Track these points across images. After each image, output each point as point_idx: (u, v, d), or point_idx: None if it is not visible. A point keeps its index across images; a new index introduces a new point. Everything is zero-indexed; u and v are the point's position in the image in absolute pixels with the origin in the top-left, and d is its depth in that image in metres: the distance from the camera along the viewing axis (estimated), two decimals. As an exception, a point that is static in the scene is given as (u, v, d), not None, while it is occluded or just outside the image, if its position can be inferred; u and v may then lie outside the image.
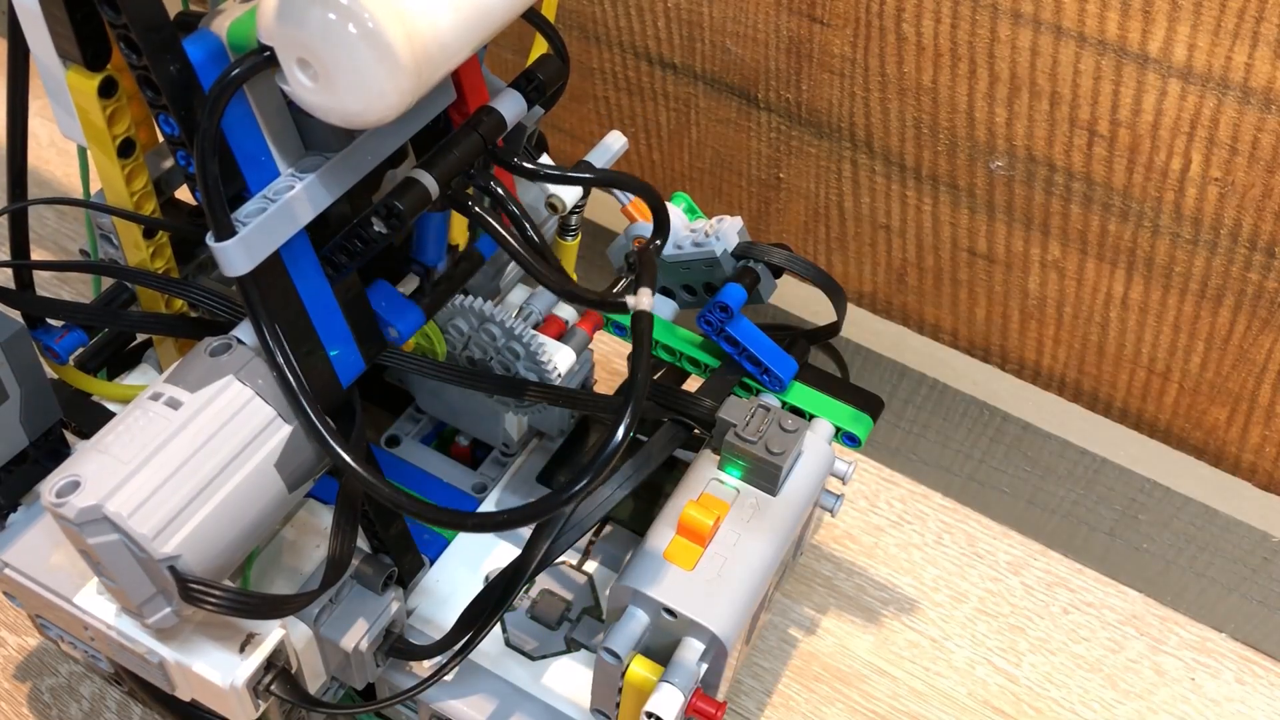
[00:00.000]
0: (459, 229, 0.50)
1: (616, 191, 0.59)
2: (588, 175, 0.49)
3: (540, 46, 0.57)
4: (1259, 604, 0.72)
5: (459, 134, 0.43)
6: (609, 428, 0.41)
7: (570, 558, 0.60)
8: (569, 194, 0.56)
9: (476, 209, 0.44)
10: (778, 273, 0.58)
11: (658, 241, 0.48)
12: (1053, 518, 0.76)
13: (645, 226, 0.59)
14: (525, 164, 0.45)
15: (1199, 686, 0.68)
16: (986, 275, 0.78)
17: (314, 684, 0.51)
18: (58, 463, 0.49)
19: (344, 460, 0.41)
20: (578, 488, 0.40)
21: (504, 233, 0.44)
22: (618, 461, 0.41)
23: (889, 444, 0.79)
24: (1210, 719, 0.66)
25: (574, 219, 0.57)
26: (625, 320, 0.59)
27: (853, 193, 0.79)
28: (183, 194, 0.53)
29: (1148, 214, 0.69)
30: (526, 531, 0.50)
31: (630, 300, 0.44)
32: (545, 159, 0.55)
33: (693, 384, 0.57)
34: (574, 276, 0.59)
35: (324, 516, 0.53)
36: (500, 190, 0.45)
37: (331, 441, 0.41)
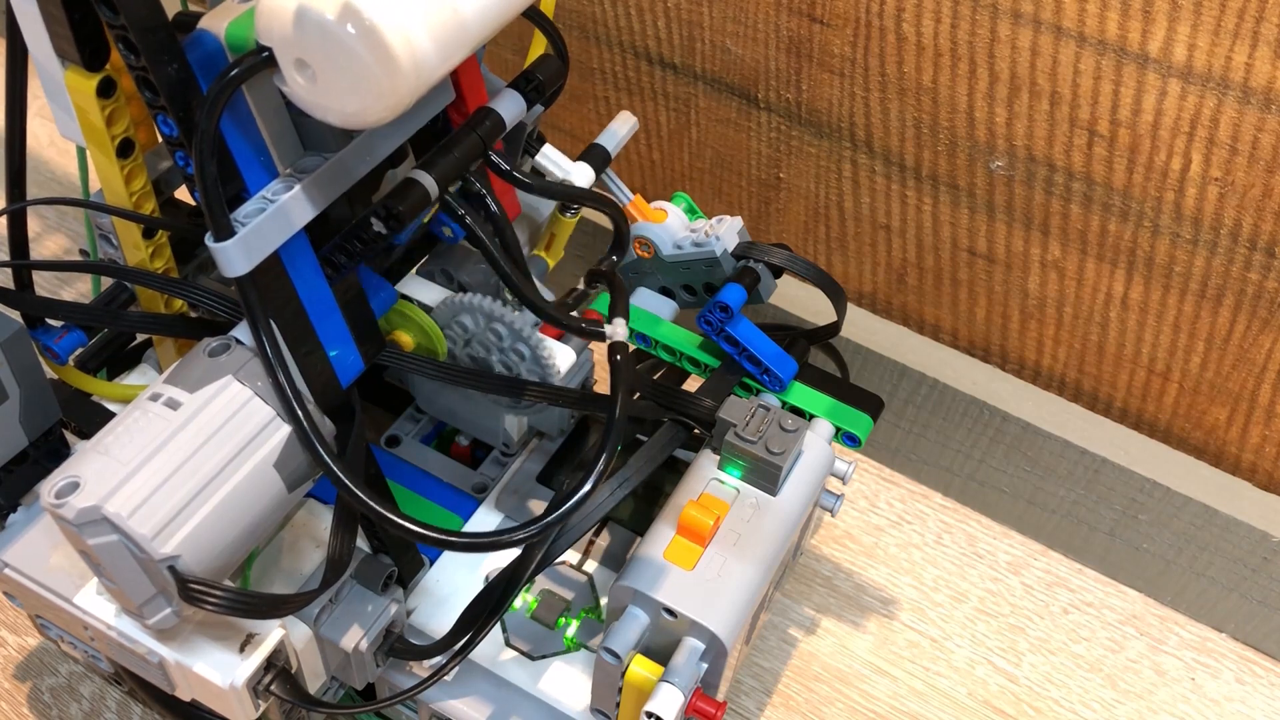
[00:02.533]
0: None
1: (615, 191, 0.59)
2: (557, 187, 0.50)
3: (540, 44, 0.57)
4: (1259, 604, 0.72)
5: (459, 135, 0.43)
6: (583, 474, 0.41)
7: (570, 558, 0.60)
8: (581, 177, 0.55)
9: (469, 219, 0.44)
10: (778, 273, 0.58)
11: (614, 258, 0.51)
12: (1053, 518, 0.76)
13: (645, 226, 0.59)
14: (505, 168, 0.45)
15: (1199, 686, 0.68)
16: (986, 275, 0.78)
17: (314, 684, 0.51)
18: (57, 463, 0.49)
19: (337, 476, 0.41)
20: (551, 518, 0.41)
21: (492, 249, 0.44)
22: (582, 498, 0.42)
23: (889, 444, 0.79)
24: (1210, 719, 0.66)
25: None
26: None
27: (853, 193, 0.79)
28: (182, 194, 0.53)
29: (1148, 214, 0.69)
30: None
31: (607, 330, 0.45)
32: (550, 148, 0.55)
33: (693, 384, 0.57)
34: (561, 253, 0.59)
35: (324, 516, 0.53)
36: (493, 205, 0.45)
37: (322, 453, 0.41)
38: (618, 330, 0.45)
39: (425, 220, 0.52)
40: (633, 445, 0.55)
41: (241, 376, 0.41)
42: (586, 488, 0.41)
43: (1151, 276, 0.72)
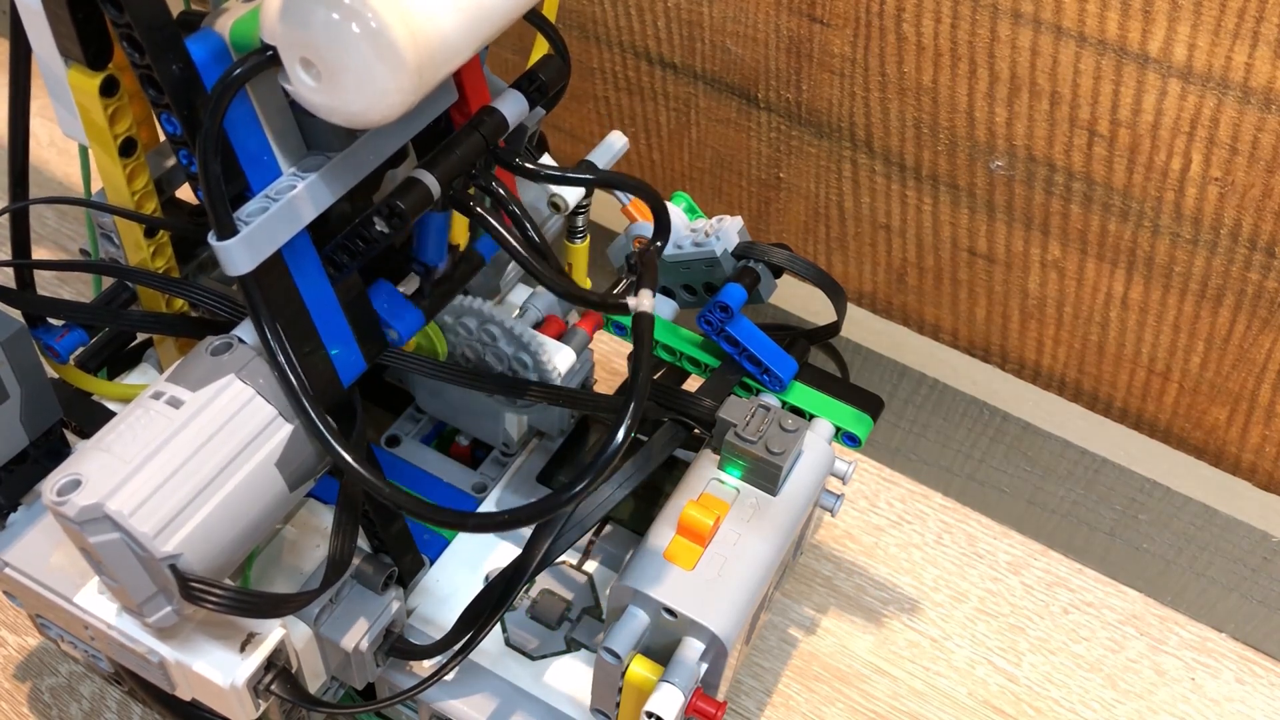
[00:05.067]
0: (459, 229, 0.50)
1: (616, 192, 0.59)
2: (588, 176, 0.49)
3: (541, 47, 0.57)
4: (1259, 604, 0.72)
5: (461, 134, 0.43)
6: (610, 428, 0.41)
7: (570, 558, 0.60)
8: (571, 193, 0.56)
9: (478, 209, 0.44)
10: (778, 273, 0.58)
11: (658, 243, 0.48)
12: (1053, 518, 0.76)
13: (645, 226, 0.59)
14: (526, 164, 0.45)
15: (1199, 686, 0.68)
16: (986, 275, 0.79)
17: (314, 684, 0.51)
18: (58, 462, 0.49)
19: (345, 460, 0.41)
20: (579, 488, 0.40)
21: (505, 234, 0.44)
22: (619, 462, 0.41)
23: (889, 444, 0.79)
24: (1210, 719, 0.66)
25: (580, 220, 0.57)
26: (626, 320, 0.59)
27: (853, 193, 0.79)
28: (184, 193, 0.53)
29: (1148, 214, 0.69)
30: (527, 531, 0.50)
31: (631, 301, 0.44)
32: (546, 159, 0.55)
33: (693, 384, 0.57)
34: (587, 282, 0.59)
35: (324, 516, 0.53)
36: (501, 190, 0.45)
37: (332, 441, 0.41)
38: (643, 301, 0.45)
39: (462, 246, 0.51)
40: (633, 445, 0.55)
41: (244, 375, 0.41)
42: (618, 438, 0.40)
43: (1151, 276, 0.72)
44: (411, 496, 0.41)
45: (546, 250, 0.47)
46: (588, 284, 0.59)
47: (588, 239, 0.57)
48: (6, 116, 0.48)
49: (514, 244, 0.44)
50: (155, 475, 0.40)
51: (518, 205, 0.45)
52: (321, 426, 0.41)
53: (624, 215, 0.59)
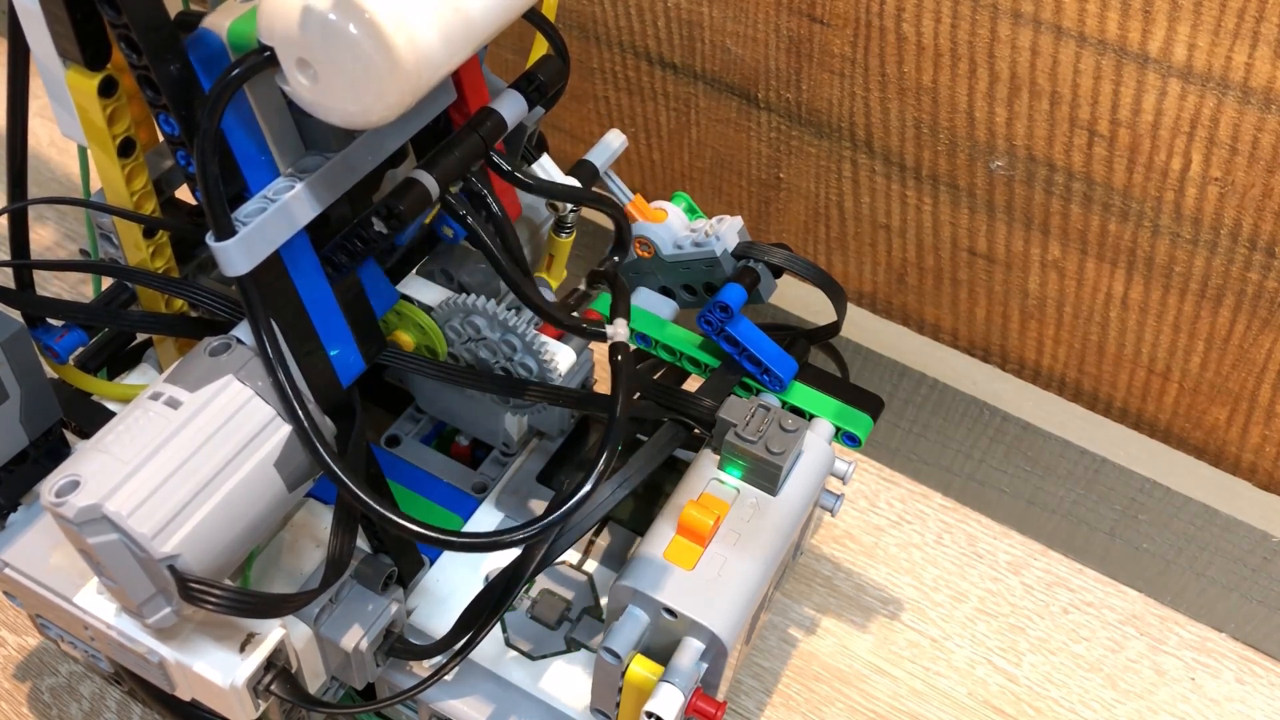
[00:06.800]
0: None
1: (616, 191, 0.59)
2: (560, 187, 0.50)
3: (541, 46, 0.57)
4: (1259, 604, 0.72)
5: (460, 135, 0.43)
6: (583, 474, 0.41)
7: (570, 558, 0.60)
8: None
9: (470, 219, 0.44)
10: (778, 273, 0.58)
11: (615, 259, 0.52)
12: (1053, 518, 0.76)
13: (645, 226, 0.59)
14: (506, 168, 0.46)
15: (1199, 686, 0.68)
16: (986, 275, 0.78)
17: (314, 684, 0.51)
18: (58, 462, 0.49)
19: (339, 477, 0.41)
20: (554, 516, 0.41)
21: (494, 249, 0.44)
22: (583, 497, 0.42)
23: (889, 444, 0.79)
24: (1210, 719, 0.66)
25: (570, 216, 0.57)
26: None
27: (853, 193, 0.79)
28: (183, 193, 0.53)
29: (1148, 214, 0.69)
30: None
31: (609, 330, 0.45)
32: (546, 159, 0.55)
33: (693, 384, 0.57)
34: (564, 273, 0.60)
35: (324, 516, 0.53)
36: (493, 202, 0.45)
37: (323, 452, 0.41)
38: (619, 330, 0.45)
39: (427, 221, 0.52)
40: (633, 445, 0.55)
41: (242, 376, 0.41)
42: (587, 488, 0.41)
43: (1151, 276, 0.72)
44: (395, 514, 0.41)
45: (524, 265, 0.48)
46: (564, 275, 0.59)
47: (574, 234, 0.58)
48: (5, 117, 0.48)
49: (501, 263, 0.45)
50: (154, 476, 0.40)
51: (506, 217, 0.46)
52: (311, 434, 0.41)
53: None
